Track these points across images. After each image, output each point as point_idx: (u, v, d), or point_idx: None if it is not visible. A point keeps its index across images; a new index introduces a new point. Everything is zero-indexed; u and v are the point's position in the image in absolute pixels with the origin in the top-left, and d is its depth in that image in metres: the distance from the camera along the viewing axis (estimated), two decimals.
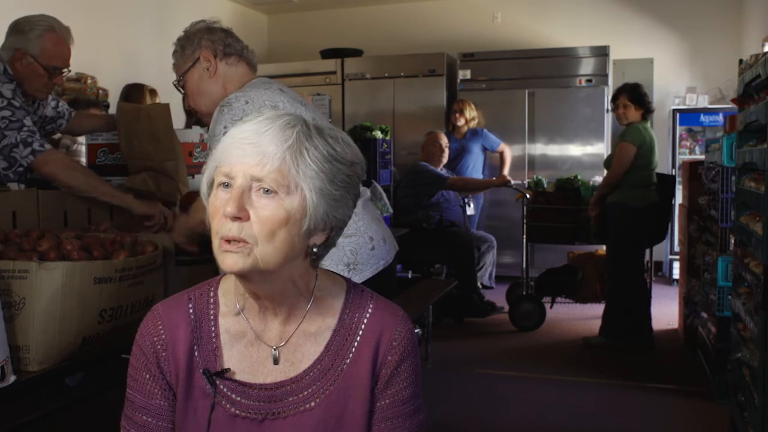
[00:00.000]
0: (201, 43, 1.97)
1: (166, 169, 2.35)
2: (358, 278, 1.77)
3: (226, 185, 1.02)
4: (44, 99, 2.44)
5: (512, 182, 5.28)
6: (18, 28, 2.30)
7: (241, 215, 0.99)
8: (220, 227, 1.01)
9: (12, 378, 1.40)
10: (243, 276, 1.04)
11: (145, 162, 2.37)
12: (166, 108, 2.39)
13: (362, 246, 1.84)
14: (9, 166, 2.17)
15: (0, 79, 2.20)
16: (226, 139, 1.04)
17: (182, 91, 2.05)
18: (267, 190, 1.00)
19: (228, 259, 1.01)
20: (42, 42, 2.28)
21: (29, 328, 1.46)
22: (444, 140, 5.48)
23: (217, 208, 1.02)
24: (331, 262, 1.74)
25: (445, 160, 5.48)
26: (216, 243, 1.03)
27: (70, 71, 2.41)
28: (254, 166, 1.00)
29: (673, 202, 4.70)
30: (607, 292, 4.52)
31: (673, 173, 6.23)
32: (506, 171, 5.89)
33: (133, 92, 4.27)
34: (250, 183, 1.00)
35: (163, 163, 2.34)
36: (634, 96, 4.42)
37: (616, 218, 4.40)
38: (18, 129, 2.15)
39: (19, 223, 1.95)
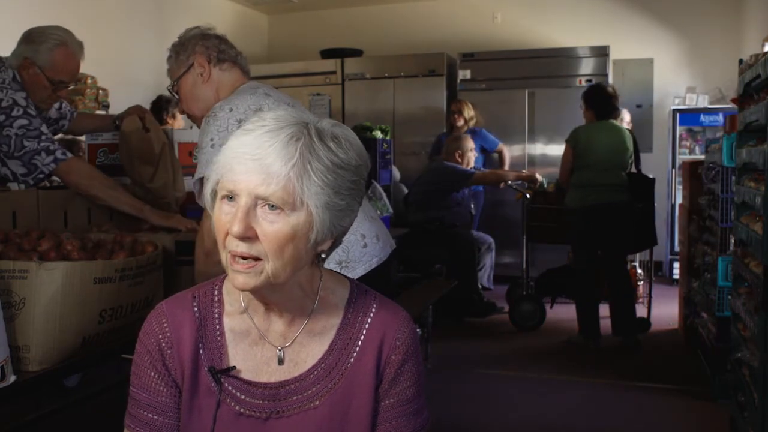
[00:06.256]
0: (195, 49, 1.99)
1: (162, 193, 2.41)
2: (350, 276, 1.77)
3: (230, 198, 1.01)
4: (46, 109, 2.43)
5: (540, 179, 5.26)
6: (30, 38, 2.28)
7: (249, 234, 0.99)
8: (228, 243, 1.01)
9: (12, 378, 1.40)
10: (253, 291, 1.05)
11: (144, 181, 2.43)
12: (158, 131, 2.46)
13: (354, 243, 1.83)
14: (28, 172, 2.16)
15: (12, 86, 2.18)
16: (227, 152, 1.02)
17: (176, 96, 2.08)
18: (273, 206, 0.99)
19: (239, 278, 1.01)
20: (52, 55, 2.26)
21: (29, 328, 1.46)
22: (471, 144, 5.36)
23: (223, 223, 1.01)
24: None
25: (470, 164, 5.34)
26: (224, 256, 1.03)
27: (75, 85, 2.40)
28: (259, 185, 0.98)
29: (651, 204, 4.63)
30: None
31: (673, 173, 6.22)
32: (506, 168, 5.91)
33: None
34: (255, 201, 0.99)
35: (158, 187, 2.41)
36: (585, 97, 4.51)
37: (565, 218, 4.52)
38: (37, 138, 2.15)
39: (19, 223, 1.96)
